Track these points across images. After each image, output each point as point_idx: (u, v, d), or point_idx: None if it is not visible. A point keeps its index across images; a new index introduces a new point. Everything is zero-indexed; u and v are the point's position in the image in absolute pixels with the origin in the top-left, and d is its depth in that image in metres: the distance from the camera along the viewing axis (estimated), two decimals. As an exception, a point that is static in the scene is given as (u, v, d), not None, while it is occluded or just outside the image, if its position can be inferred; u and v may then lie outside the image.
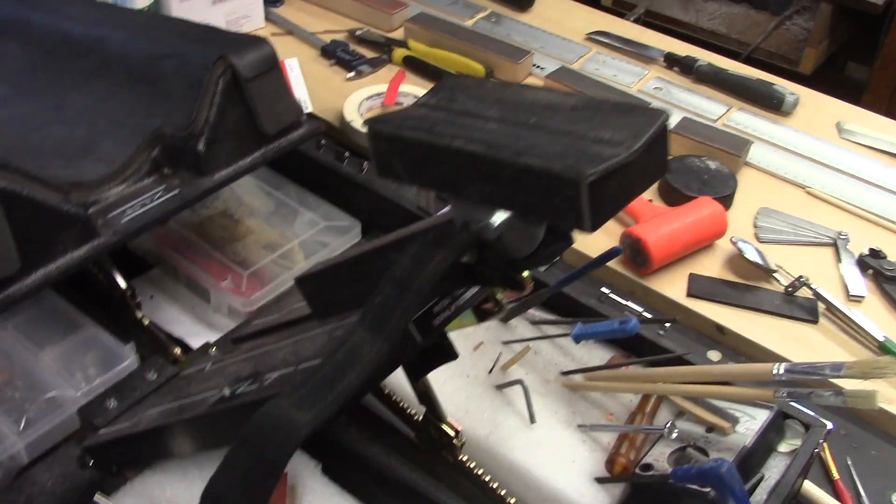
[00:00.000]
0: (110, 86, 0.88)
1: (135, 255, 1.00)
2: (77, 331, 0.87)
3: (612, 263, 1.03)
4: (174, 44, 0.85)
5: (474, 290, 0.59)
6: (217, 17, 1.36)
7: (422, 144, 0.48)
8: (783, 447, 0.80)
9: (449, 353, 0.63)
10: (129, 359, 0.84)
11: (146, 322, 0.88)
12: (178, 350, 0.88)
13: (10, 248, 0.67)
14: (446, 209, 0.73)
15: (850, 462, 0.86)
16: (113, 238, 0.74)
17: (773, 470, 0.77)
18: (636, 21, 2.16)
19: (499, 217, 0.49)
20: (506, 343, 0.90)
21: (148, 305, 0.94)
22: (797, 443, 0.79)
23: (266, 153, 0.84)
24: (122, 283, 0.87)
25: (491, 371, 0.87)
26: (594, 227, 0.44)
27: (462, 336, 0.69)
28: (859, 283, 1.04)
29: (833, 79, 2.36)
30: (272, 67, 0.83)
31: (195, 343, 0.90)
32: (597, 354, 0.89)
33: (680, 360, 0.85)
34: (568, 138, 0.46)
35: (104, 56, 0.90)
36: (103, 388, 0.81)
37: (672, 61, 1.41)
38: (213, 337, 0.90)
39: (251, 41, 0.83)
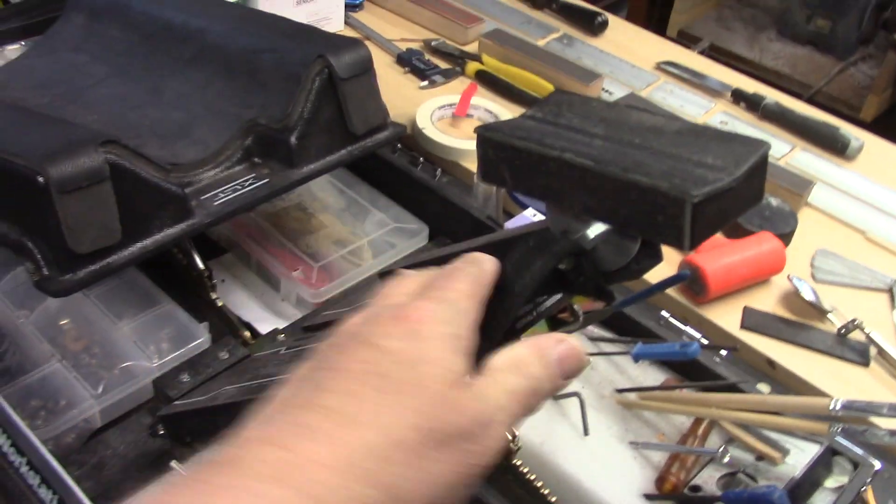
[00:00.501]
0: (208, 74, 0.92)
1: (210, 238, 1.04)
2: (154, 306, 0.91)
3: (669, 290, 1.05)
4: (273, 39, 0.89)
5: (556, 297, 0.62)
6: (299, 16, 1.40)
7: (531, 154, 0.50)
8: (830, 483, 0.81)
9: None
10: (202, 337, 0.88)
11: (220, 304, 0.92)
12: (247, 333, 0.91)
13: (115, 219, 0.71)
14: (532, 220, 0.75)
15: (892, 505, 0.87)
16: (206, 219, 0.78)
17: (819, 504, 0.79)
18: (701, 53, 2.18)
19: (595, 229, 0.51)
20: (564, 356, 0.92)
21: (220, 288, 0.97)
22: (844, 479, 0.81)
23: (353, 151, 0.87)
24: (200, 264, 0.91)
25: (548, 381, 0.89)
26: (692, 247, 0.46)
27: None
28: (913, 331, 1.05)
29: (894, 128, 2.36)
30: (366, 70, 0.86)
31: (262, 328, 0.94)
32: (651, 375, 0.91)
33: (733, 388, 0.87)
34: (672, 160, 0.48)
35: (203, 45, 0.94)
36: (177, 362, 0.85)
37: (739, 97, 1.43)
38: (279, 324, 0.94)
39: (349, 43, 0.86)
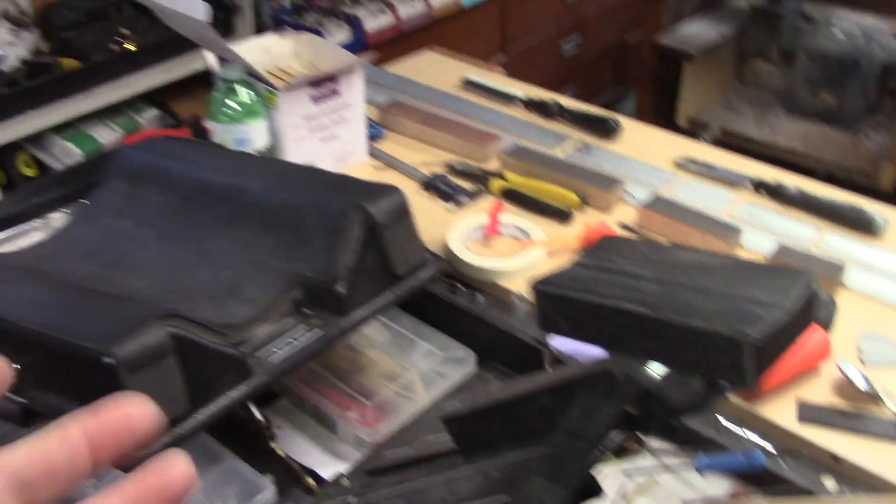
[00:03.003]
0: (250, 232, 0.96)
1: (263, 385, 1.05)
2: (218, 463, 0.92)
3: (720, 390, 1.05)
4: (311, 192, 0.93)
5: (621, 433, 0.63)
6: (326, 154, 1.45)
7: (587, 304, 0.53)
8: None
9: (595, 490, 0.66)
10: (267, 490, 0.89)
11: (281, 453, 0.93)
12: (311, 480, 0.92)
13: (181, 389, 0.73)
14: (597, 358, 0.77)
15: None
16: (264, 378, 0.80)
17: None
18: (713, 140, 2.23)
19: (657, 370, 0.53)
20: (625, 472, 0.92)
21: (278, 436, 0.99)
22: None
23: (398, 292, 0.90)
24: (258, 415, 0.93)
25: (613, 501, 0.89)
26: (755, 384, 0.48)
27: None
28: (971, 408, 1.04)
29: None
30: (404, 214, 0.89)
31: (324, 473, 0.95)
32: (716, 483, 0.91)
33: (804, 491, 0.86)
34: (724, 299, 0.50)
35: (243, 203, 0.98)
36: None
37: (759, 186, 1.46)
38: (341, 467, 0.95)
39: (385, 190, 0.90)
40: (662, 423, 0.53)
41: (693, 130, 2.44)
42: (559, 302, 0.54)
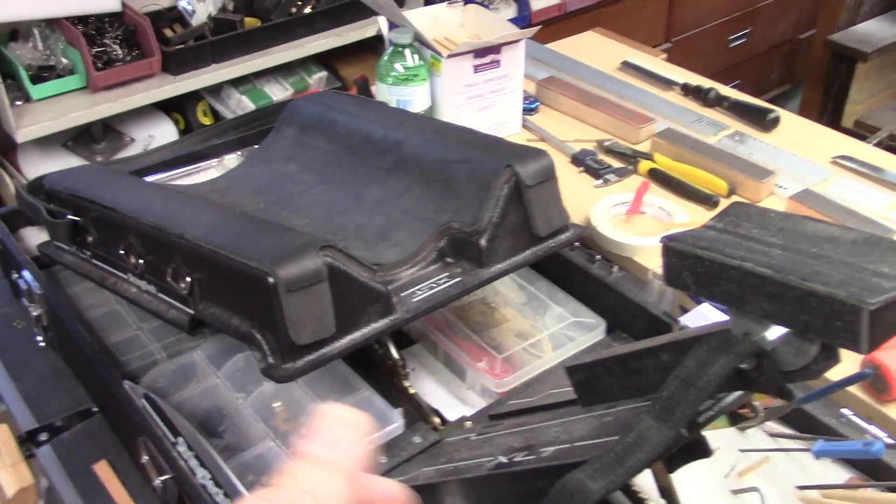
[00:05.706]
0: (406, 182, 1.02)
1: (401, 330, 1.12)
2: (354, 392, 0.99)
3: (851, 387, 1.04)
4: (465, 150, 0.98)
5: (736, 394, 0.65)
6: (481, 121, 1.51)
7: (713, 262, 0.55)
8: None
9: (704, 450, 0.69)
10: (398, 422, 0.95)
11: (412, 391, 0.99)
12: (436, 419, 0.98)
13: (331, 314, 0.80)
14: (708, 316, 0.80)
15: None
16: (406, 315, 0.86)
17: None
18: (879, 144, 2.14)
19: (775, 332, 0.55)
20: (742, 451, 0.93)
21: (411, 377, 1.05)
22: None
23: (537, 252, 0.94)
24: (395, 353, 0.99)
25: (727, 475, 0.91)
26: (870, 350, 0.50)
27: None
28: None
29: None
30: (550, 177, 0.94)
31: (449, 415, 1.01)
32: (833, 473, 0.91)
33: (922, 490, 0.85)
34: (848, 269, 0.52)
35: (401, 156, 1.05)
36: (374, 445, 0.92)
37: (921, 191, 1.41)
38: (466, 411, 1.00)
39: (534, 153, 0.94)
40: (775, 383, 0.56)
41: (859, 134, 2.35)
42: (686, 259, 0.57)
